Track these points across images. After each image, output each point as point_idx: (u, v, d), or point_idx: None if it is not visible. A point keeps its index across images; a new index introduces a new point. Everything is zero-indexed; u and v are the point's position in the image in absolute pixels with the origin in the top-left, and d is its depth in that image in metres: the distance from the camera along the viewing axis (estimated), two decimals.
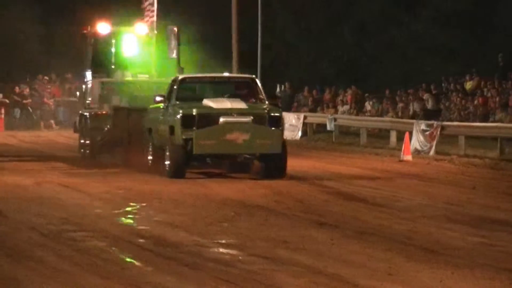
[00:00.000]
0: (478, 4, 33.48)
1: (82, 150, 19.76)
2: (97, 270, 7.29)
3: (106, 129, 18.56)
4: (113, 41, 20.33)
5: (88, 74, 20.44)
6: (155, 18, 21.19)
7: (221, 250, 8.59)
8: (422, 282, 6.82)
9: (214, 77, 17.40)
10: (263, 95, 15.94)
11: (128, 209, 11.82)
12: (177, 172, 14.76)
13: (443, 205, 12.15)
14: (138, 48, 20.54)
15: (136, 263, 7.72)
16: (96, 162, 18.46)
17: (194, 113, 14.77)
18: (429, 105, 26.52)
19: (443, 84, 28.72)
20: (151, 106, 16.57)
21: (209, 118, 14.87)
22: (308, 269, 7.37)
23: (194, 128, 14.52)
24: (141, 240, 8.95)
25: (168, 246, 8.61)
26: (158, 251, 8.26)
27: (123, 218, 11.12)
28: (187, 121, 14.69)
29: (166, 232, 9.62)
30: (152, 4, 21.23)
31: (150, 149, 16.31)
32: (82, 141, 19.89)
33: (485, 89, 25.95)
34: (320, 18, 37.00)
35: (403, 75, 32.53)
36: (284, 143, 15.07)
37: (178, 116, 14.77)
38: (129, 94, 18.91)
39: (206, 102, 15.14)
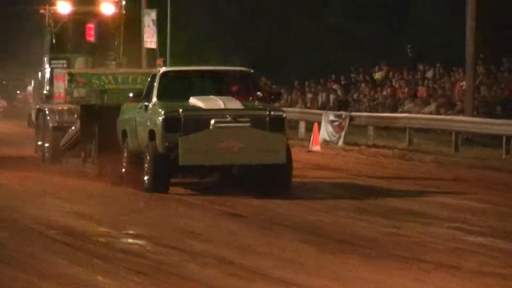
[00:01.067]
0: None
1: (40, 152, 16.85)
2: (8, 260, 7.14)
3: (71, 130, 15.45)
4: (75, 22, 17.97)
5: (46, 60, 17.94)
6: None
7: (131, 241, 8.49)
8: (333, 272, 6.77)
9: (203, 71, 14.64)
10: (261, 91, 13.64)
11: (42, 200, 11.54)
12: (158, 186, 12.15)
13: (354, 196, 12.22)
14: (104, 31, 17.94)
15: (47, 254, 7.55)
16: (58, 169, 15.36)
17: (179, 115, 12.09)
18: (339, 95, 26.90)
19: (352, 75, 29.12)
20: (125, 105, 14.05)
21: (198, 121, 12.24)
22: (219, 259, 7.29)
23: (180, 133, 11.92)
24: (52, 231, 8.79)
25: (78, 237, 8.44)
26: (68, 242, 8.11)
27: (35, 209, 10.76)
28: (171, 125, 12.04)
29: (76, 223, 9.49)
30: None
31: (125, 156, 13.55)
32: (40, 142, 16.97)
33: (394, 80, 26.48)
34: (235, 9, 36.77)
35: (317, 67, 32.71)
36: (289, 151, 12.39)
37: (160, 119, 12.05)
38: (101, 88, 16.12)
39: (194, 101, 12.46)
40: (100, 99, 15.73)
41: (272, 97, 14.24)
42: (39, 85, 18.46)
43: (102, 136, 14.15)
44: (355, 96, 27.46)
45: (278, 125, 12.39)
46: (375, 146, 20.25)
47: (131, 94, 13.62)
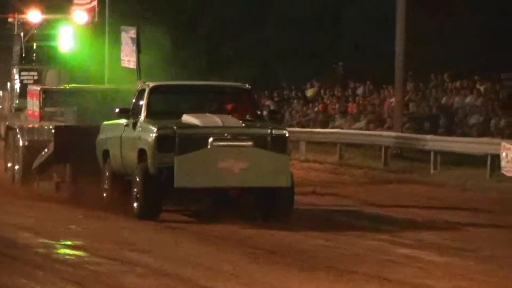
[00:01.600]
0: (325, 11, 34.50)
1: (10, 172, 15.44)
2: None
3: (44, 152, 13.85)
4: (46, 32, 17.10)
5: (16, 71, 16.97)
6: (96, 3, 17.91)
7: (68, 251, 8.54)
8: (265, 283, 6.90)
9: (195, 85, 13.87)
10: (260, 109, 13.02)
11: None
12: (149, 211, 10.98)
13: None
14: (75, 41, 16.92)
15: None
16: (29, 193, 13.96)
17: (173, 133, 10.98)
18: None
19: (284, 92, 29.47)
20: (106, 122, 12.86)
21: (195, 139, 11.14)
22: (155, 270, 7.38)
23: (174, 152, 10.80)
24: None
25: (17, 248, 8.50)
26: (6, 253, 8.14)
27: None
28: (165, 144, 10.91)
29: (15, 234, 9.51)
30: None
31: (107, 178, 12.45)
32: (9, 164, 15.57)
33: (325, 97, 26.94)
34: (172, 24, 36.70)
35: (252, 81, 32.93)
36: (291, 174, 11.36)
37: (153, 136, 10.93)
38: (78, 106, 14.58)
39: (187, 118, 11.43)
40: (77, 118, 14.31)
41: (269, 115, 13.60)
42: (9, 98, 17.49)
43: (78, 160, 13.02)
44: (288, 111, 27.80)
45: (281, 144, 11.38)
46: (306, 160, 20.55)
47: (117, 110, 11.91)
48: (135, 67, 16.55)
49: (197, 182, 10.83)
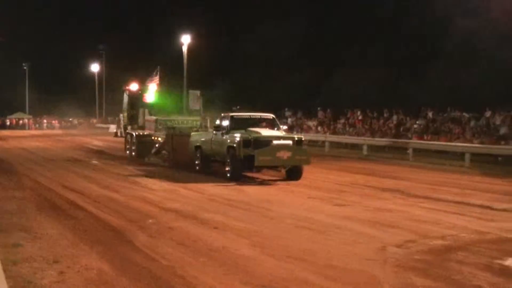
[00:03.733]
0: None
1: (128, 153, 29.20)
2: None
3: (157, 144, 26.47)
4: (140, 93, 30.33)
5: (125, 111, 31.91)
6: (158, 78, 30.27)
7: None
8: None
9: (250, 115, 21.45)
10: (279, 126, 21.27)
11: None
12: (236, 177, 19.25)
13: None
14: (155, 96, 29.62)
15: None
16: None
17: (251, 138, 19.25)
18: None
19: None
20: (194, 133, 23.52)
21: (261, 141, 19.19)
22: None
23: (251, 148, 18.95)
24: None
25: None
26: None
27: None
28: (246, 143, 19.08)
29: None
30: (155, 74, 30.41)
31: (198, 158, 22.25)
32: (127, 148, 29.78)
33: None
34: None
35: None
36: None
37: (239, 140, 19.18)
38: (170, 126, 26.24)
39: (251, 130, 19.77)
40: (169, 131, 25.25)
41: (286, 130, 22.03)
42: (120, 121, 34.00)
43: (174, 148, 24.14)
44: None
45: (301, 143, 19.84)
46: None
47: (218, 127, 20.84)
48: (199, 108, 29.70)
49: (267, 163, 19.24)
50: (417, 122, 33.24)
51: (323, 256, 9.16)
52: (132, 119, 30.31)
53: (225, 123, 20.62)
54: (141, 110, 29.71)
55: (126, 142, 29.91)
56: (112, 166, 24.32)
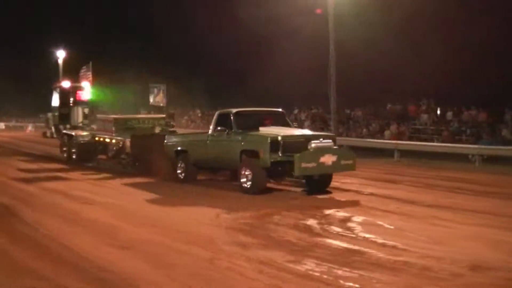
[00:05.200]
0: None
1: (66, 154, 26.09)
2: None
3: (113, 146, 22.94)
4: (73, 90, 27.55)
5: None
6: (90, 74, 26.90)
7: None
8: None
9: (257, 110, 17.45)
10: (291, 123, 17.42)
11: None
12: (259, 190, 15.13)
13: None
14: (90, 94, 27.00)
15: None
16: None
17: (279, 140, 14.91)
18: None
19: None
20: (168, 135, 19.78)
21: (294, 143, 15.11)
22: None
23: (280, 151, 14.81)
24: None
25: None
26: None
27: None
28: (274, 146, 14.81)
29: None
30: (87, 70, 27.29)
31: (182, 166, 18.16)
32: (65, 149, 26.71)
33: None
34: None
35: None
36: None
37: (268, 142, 14.84)
38: (130, 127, 23.16)
39: (265, 129, 15.71)
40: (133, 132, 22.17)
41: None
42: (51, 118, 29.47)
43: (139, 151, 20.71)
44: None
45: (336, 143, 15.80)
46: None
47: (218, 127, 16.43)
48: (164, 105, 26.70)
49: (310, 171, 14.86)
50: None
51: (171, 223, 11.57)
52: (64, 118, 27.08)
53: (220, 121, 16.60)
54: (75, 109, 27.06)
55: (62, 144, 26.71)
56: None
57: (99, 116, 25.22)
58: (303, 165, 14.46)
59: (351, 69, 32.14)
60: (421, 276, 7.62)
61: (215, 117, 16.99)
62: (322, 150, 14.89)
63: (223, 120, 16.43)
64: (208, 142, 16.92)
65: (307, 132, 16.31)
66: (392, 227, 11.01)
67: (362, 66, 35.95)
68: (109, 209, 13.32)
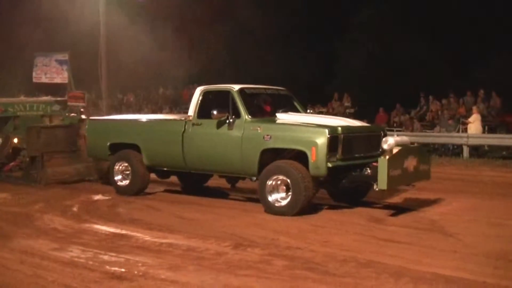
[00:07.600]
0: None
1: None
2: None
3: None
4: None
5: None
6: None
7: None
8: None
9: (262, 88, 12.36)
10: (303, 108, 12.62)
11: None
12: (302, 209, 10.28)
13: None
14: None
15: None
16: None
17: (339, 134, 10.25)
18: None
19: None
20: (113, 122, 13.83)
21: (360, 139, 10.76)
22: None
23: (334, 153, 10.14)
24: None
25: None
26: None
27: None
28: (333, 144, 10.13)
29: None
30: None
31: (121, 170, 12.87)
32: None
33: None
34: None
35: None
36: None
37: (323, 139, 10.03)
38: (14, 114, 17.14)
39: (284, 116, 11.33)
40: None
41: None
42: None
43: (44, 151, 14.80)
44: None
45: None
46: None
47: (215, 112, 11.10)
48: (66, 82, 20.81)
49: (398, 182, 10.24)
50: None
51: None
52: None
53: (205, 103, 11.71)
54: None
55: None
56: None
57: None
58: (391, 172, 9.75)
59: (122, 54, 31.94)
60: (185, 257, 7.84)
61: (195, 96, 12.00)
62: (407, 151, 10.42)
63: (211, 102, 11.61)
64: (185, 134, 11.81)
65: (358, 122, 11.42)
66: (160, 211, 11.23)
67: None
68: None
